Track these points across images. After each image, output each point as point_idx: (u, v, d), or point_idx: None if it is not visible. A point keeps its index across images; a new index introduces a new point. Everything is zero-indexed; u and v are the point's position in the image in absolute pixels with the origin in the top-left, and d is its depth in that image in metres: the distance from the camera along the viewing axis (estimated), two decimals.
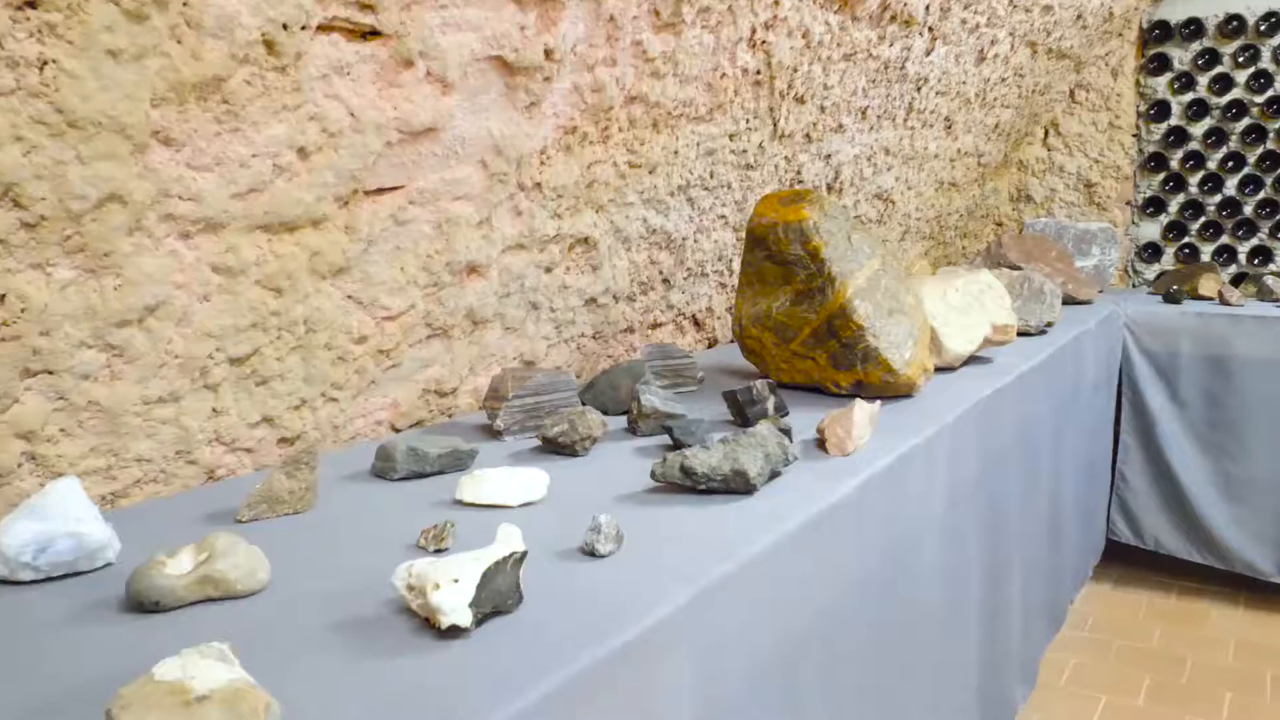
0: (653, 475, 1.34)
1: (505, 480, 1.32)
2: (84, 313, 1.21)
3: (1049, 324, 2.78)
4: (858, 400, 1.60)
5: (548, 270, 1.94)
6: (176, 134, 1.20)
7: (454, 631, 0.93)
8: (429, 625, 0.94)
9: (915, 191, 3.50)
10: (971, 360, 2.36)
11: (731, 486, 1.32)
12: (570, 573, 1.08)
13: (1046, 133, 4.34)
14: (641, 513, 1.27)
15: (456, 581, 0.93)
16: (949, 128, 3.41)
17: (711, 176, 2.27)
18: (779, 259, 1.97)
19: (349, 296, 1.55)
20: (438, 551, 1.15)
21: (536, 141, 1.72)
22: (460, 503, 1.32)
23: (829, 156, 2.74)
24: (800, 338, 1.97)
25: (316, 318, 1.50)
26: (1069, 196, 4.28)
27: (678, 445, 1.55)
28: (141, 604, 1.00)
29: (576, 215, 1.93)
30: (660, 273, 2.28)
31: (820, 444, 1.59)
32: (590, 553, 1.12)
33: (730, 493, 1.34)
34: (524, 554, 0.99)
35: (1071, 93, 4.14)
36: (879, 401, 1.64)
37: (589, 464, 1.51)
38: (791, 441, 1.47)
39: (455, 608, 0.92)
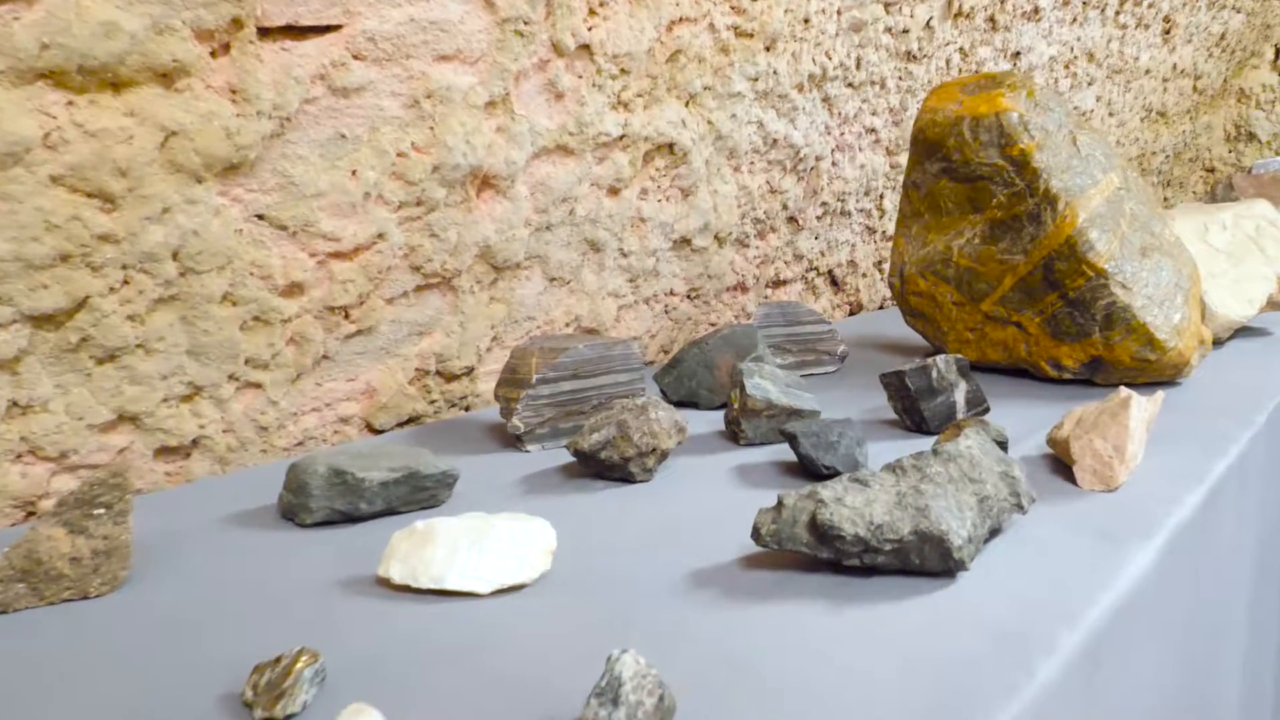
0: (757, 536, 0.68)
1: (467, 540, 0.68)
2: None
3: None
4: (1130, 394, 0.90)
5: (612, 192, 1.29)
6: None
7: None
8: None
9: (1118, 119, 2.72)
10: (1239, 331, 1.62)
11: (915, 563, 0.66)
12: None
13: (1277, 52, 3.45)
14: (732, 618, 0.62)
15: None
16: (1167, 32, 2.62)
17: (858, 66, 1.59)
18: (964, 173, 1.28)
19: (257, 216, 0.94)
20: None
21: None
22: (386, 583, 0.70)
23: (1018, 55, 2.01)
24: (998, 292, 1.28)
25: (196, 249, 0.90)
26: None
27: (807, 467, 0.90)
28: None
29: (654, 106, 1.28)
30: (783, 206, 1.61)
31: (1058, 464, 0.91)
32: None
33: (911, 574, 0.67)
34: None
35: None
36: (1160, 394, 0.94)
37: (651, 500, 0.87)
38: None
39: None
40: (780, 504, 0.68)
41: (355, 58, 0.94)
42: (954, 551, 0.64)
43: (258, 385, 1.02)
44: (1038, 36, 2.03)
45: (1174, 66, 2.84)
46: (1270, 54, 3.47)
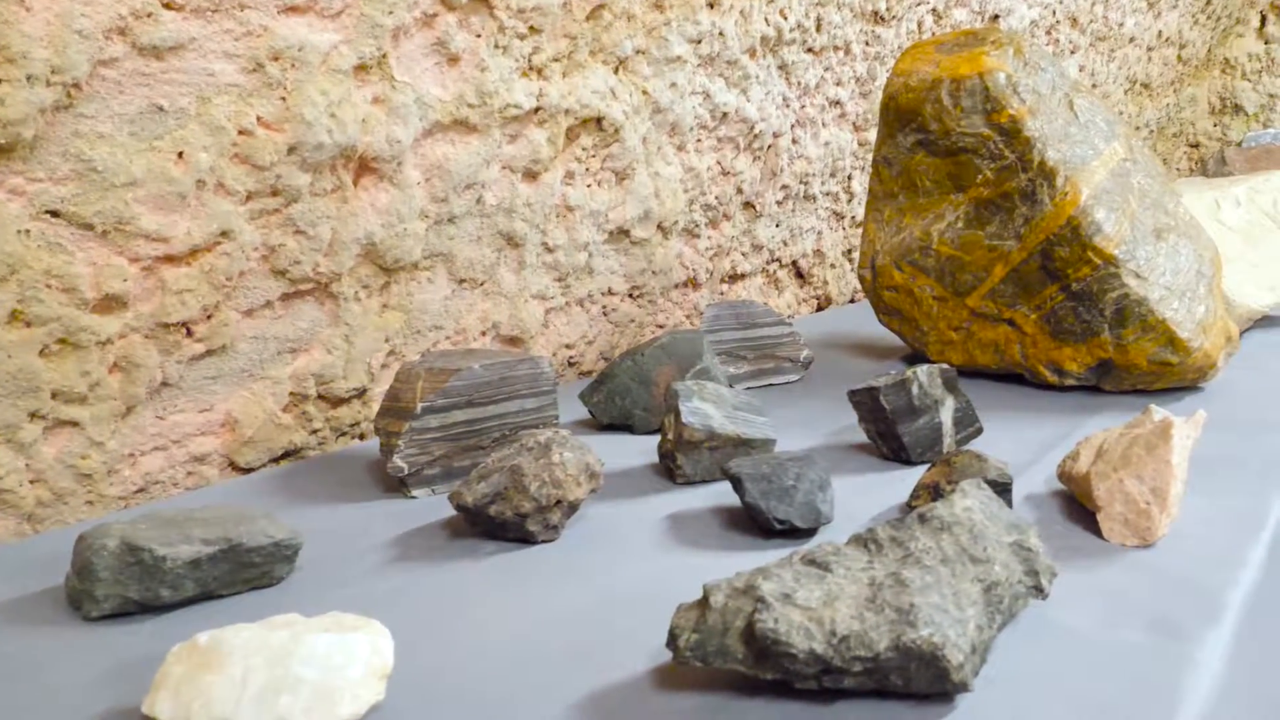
0: (674, 647, 0.48)
1: (267, 663, 0.48)
2: None
3: None
4: (1169, 419, 0.71)
5: (529, 175, 1.09)
6: None
7: None
8: None
9: (1102, 91, 2.54)
10: (1258, 322, 1.43)
11: (898, 684, 0.46)
12: None
13: (1264, 19, 3.28)
14: None
15: None
16: None
17: (818, 28, 1.39)
18: (943, 145, 1.09)
19: (49, 212, 0.73)
20: None
21: None
22: None
23: (996, 18, 1.82)
24: (987, 284, 1.09)
25: None
26: None
27: (755, 519, 0.70)
28: None
29: (575, 73, 1.08)
30: (738, 189, 1.41)
31: (1073, 504, 0.72)
32: None
33: (891, 695, 0.48)
34: None
35: None
36: (1201, 414, 0.75)
37: (550, 572, 0.67)
38: (1011, 504, 0.60)
39: None
40: (706, 602, 0.48)
41: (166, 7, 0.73)
42: (952, 672, 0.45)
43: (73, 423, 0.81)
44: None
45: (1159, 34, 2.66)
46: (1256, 21, 3.30)
